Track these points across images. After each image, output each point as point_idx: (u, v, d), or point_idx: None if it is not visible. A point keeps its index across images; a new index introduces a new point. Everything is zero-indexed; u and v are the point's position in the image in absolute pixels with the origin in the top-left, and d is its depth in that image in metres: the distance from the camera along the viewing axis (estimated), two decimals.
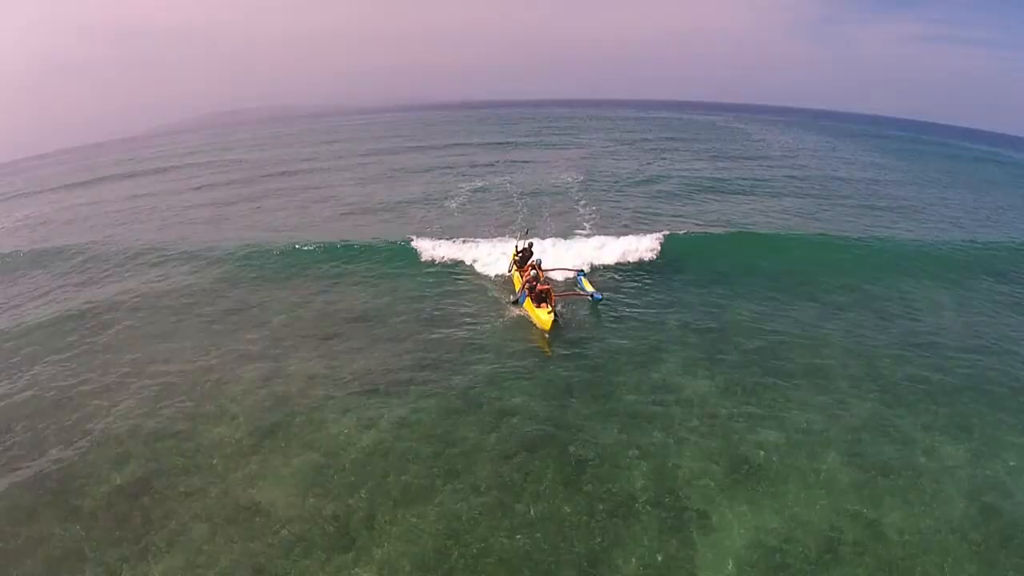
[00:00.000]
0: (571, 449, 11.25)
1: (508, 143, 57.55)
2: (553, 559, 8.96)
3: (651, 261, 19.90)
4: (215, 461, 11.14)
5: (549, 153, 48.87)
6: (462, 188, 33.81)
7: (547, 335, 15.05)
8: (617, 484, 10.39)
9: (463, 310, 17.24)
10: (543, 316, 15.33)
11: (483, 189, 33.21)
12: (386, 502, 10.15)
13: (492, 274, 19.61)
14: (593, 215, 26.40)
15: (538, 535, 9.44)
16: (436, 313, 16.96)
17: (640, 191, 31.63)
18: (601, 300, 17.11)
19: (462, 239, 21.83)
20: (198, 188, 42.17)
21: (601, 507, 9.94)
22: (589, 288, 17.76)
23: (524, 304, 16.44)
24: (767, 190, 32.60)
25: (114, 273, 22.04)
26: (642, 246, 20.04)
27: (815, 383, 13.15)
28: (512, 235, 22.20)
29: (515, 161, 44.16)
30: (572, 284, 18.58)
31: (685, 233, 21.05)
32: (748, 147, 55.52)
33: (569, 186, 32.80)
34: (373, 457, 11.25)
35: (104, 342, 16.43)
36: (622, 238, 20.75)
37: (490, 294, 18.39)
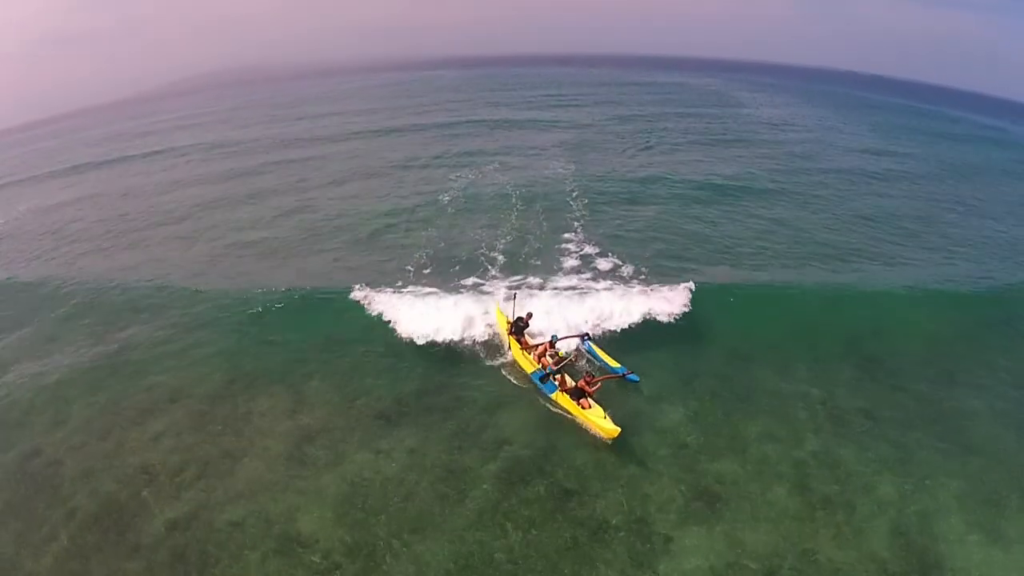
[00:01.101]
0: (558, 479, 13.52)
1: (496, 120, 57.06)
2: None
3: (646, 317, 18.87)
4: (255, 492, 13.29)
5: (541, 136, 48.99)
6: (450, 188, 34.10)
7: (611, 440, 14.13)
8: (596, 511, 12.70)
9: (459, 350, 17.98)
10: (603, 424, 14.17)
11: (467, 197, 32.60)
12: (404, 528, 12.43)
13: (482, 326, 18.54)
14: (590, 242, 25.32)
15: (530, 558, 11.75)
16: (434, 355, 17.80)
17: (634, 199, 31.60)
18: (638, 381, 15.80)
19: (446, 285, 21.34)
20: (175, 187, 41.30)
21: (582, 532, 12.27)
22: (612, 362, 16.41)
23: (555, 396, 15.33)
24: (752, 196, 32.82)
25: (116, 311, 22.21)
26: (638, 305, 18.99)
27: (776, 415, 15.34)
28: (497, 279, 22.04)
29: (502, 150, 44.06)
30: (583, 355, 17.25)
31: (678, 287, 19.70)
32: (738, 126, 55.78)
33: (563, 190, 32.82)
34: (390, 485, 13.48)
35: (128, 377, 18.09)
36: (618, 294, 19.76)
37: (486, 343, 18.32)
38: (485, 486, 13.31)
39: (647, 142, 46.53)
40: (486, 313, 18.83)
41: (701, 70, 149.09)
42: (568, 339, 17.29)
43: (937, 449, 14.50)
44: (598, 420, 14.29)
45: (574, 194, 31.84)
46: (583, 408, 14.72)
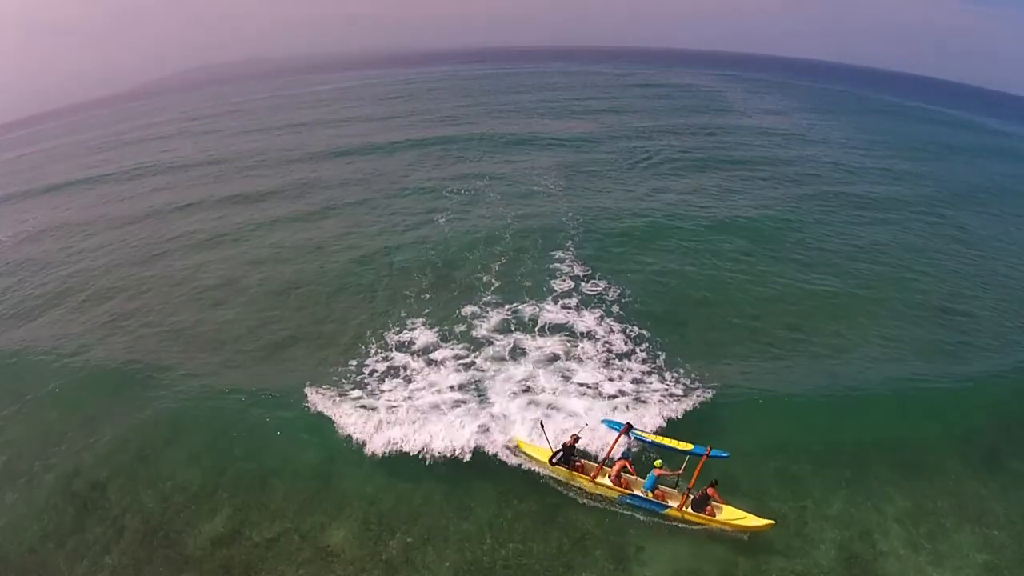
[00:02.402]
0: (548, 498, 16.34)
1: (488, 135, 56.89)
2: None
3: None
4: (288, 510, 16.07)
5: (534, 157, 49.13)
6: (435, 226, 34.18)
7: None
8: (578, 523, 15.53)
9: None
10: (753, 523, 14.78)
11: (452, 242, 31.77)
12: (417, 540, 15.20)
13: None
14: (591, 304, 24.92)
15: (525, 563, 14.61)
16: None
17: (640, 241, 31.77)
18: (728, 457, 15.64)
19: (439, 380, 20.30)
20: (149, 219, 41.57)
21: (566, 541, 15.15)
22: (679, 444, 15.89)
23: (674, 514, 15.27)
24: (759, 238, 32.48)
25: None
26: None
27: (742, 430, 18.04)
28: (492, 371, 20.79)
29: (493, 175, 43.92)
30: (633, 446, 16.92)
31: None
32: (743, 140, 56.38)
33: (559, 231, 32.41)
34: (401, 503, 16.22)
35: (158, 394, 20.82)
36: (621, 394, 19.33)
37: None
38: (486, 502, 16.09)
39: (650, 161, 47.56)
40: (503, 448, 17.45)
41: (703, 66, 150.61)
42: (616, 442, 16.65)
43: (887, 471, 17.12)
44: (743, 523, 14.86)
45: (572, 238, 31.98)
46: (712, 515, 15.12)
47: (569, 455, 16.37)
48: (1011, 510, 16.22)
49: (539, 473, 16.89)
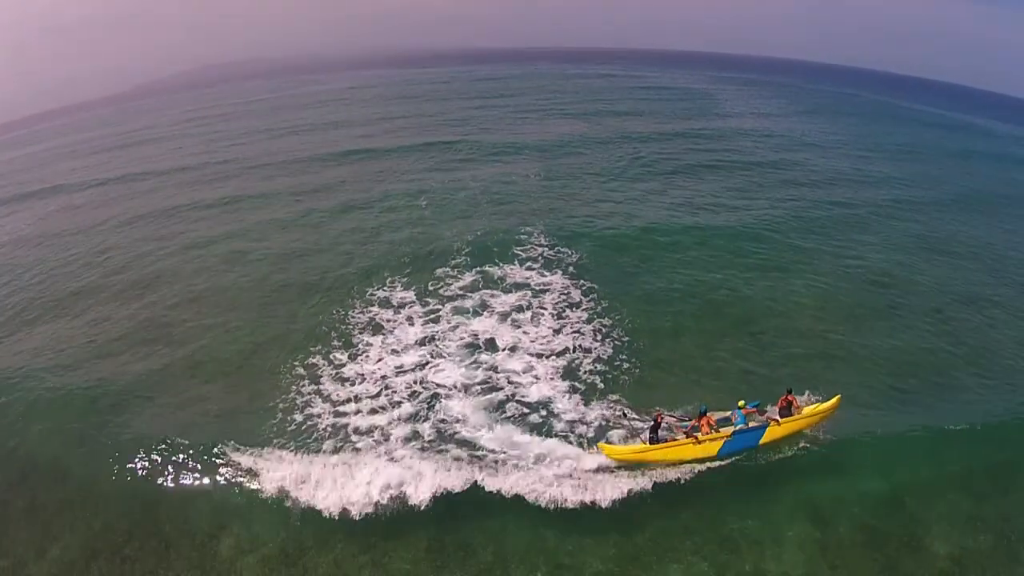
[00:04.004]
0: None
1: (475, 143, 55.90)
2: None
3: None
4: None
5: (516, 160, 49.29)
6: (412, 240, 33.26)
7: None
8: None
9: None
10: (828, 406, 17.11)
11: (419, 248, 31.66)
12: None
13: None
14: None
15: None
16: None
17: (635, 253, 31.19)
18: (759, 404, 17.70)
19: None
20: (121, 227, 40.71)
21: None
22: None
23: (771, 432, 16.98)
24: (755, 250, 31.67)
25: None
26: None
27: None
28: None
29: (475, 179, 43.67)
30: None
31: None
32: (739, 144, 56.17)
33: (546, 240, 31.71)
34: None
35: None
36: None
37: None
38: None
39: (639, 162, 48.03)
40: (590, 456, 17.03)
41: (699, 67, 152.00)
42: (685, 425, 17.38)
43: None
44: (822, 411, 17.21)
45: (542, 218, 34.62)
46: (803, 415, 17.26)
47: (659, 435, 17.02)
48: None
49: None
